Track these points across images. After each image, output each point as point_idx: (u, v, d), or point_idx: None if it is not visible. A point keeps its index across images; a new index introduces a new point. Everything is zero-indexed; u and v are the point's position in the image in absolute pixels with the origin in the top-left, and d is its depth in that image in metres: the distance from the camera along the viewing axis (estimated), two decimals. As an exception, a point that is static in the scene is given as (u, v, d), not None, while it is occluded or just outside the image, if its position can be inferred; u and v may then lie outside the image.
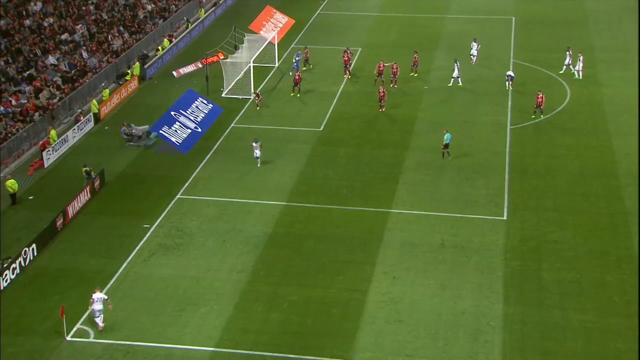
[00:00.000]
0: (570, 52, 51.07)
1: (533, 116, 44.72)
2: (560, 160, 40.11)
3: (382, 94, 46.02)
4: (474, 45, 53.37)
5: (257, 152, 40.18)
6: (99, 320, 28.04)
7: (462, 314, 28.92)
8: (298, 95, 48.77)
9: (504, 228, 34.36)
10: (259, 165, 40.00)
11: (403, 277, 31.19)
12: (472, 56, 53.36)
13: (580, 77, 49.92)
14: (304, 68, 52.96)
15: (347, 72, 51.55)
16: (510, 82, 48.68)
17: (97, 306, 27.92)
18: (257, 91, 48.62)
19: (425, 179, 38.69)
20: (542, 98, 44.42)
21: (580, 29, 60.13)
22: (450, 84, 49.82)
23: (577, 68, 50.33)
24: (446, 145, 40.07)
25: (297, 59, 51.27)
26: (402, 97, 48.42)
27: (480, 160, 40.52)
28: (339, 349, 27.27)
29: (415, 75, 50.97)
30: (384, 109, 46.11)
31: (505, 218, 35.17)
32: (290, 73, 50.92)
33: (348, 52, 52.61)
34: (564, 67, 51.09)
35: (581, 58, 50.11)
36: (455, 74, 49.65)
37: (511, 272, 31.27)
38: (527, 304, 29.37)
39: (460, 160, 40.44)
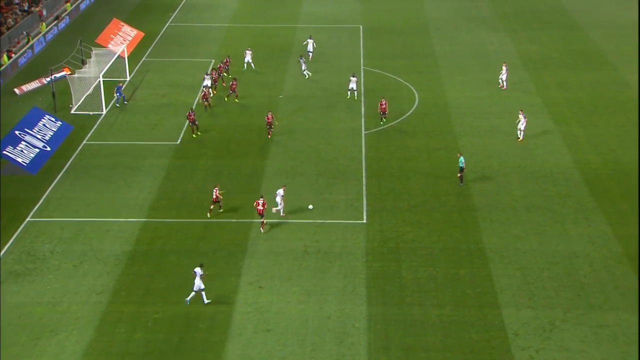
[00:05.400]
0: (303, 59, 53.97)
1: (381, 122, 46.37)
2: (413, 162, 41.91)
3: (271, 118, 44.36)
4: (352, 80, 49.92)
5: None
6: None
7: (327, 318, 29.49)
8: (236, 100, 48.73)
9: (364, 231, 35.40)
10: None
11: (268, 286, 31.36)
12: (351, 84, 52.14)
13: (307, 76, 53.36)
14: (227, 75, 52.05)
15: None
16: (354, 92, 49.75)
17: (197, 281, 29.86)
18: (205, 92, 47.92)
19: (286, 187, 39.09)
20: (385, 104, 46.20)
21: (422, 36, 63.14)
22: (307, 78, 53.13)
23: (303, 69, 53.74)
24: (461, 169, 38.73)
25: (119, 90, 49.31)
26: (258, 106, 48.68)
27: (338, 166, 41.53)
28: (207, 364, 27.00)
29: (237, 101, 49.27)
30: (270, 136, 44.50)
31: (364, 221, 36.25)
32: (117, 105, 48.90)
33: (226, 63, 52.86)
34: (305, 71, 53.55)
35: (302, 59, 53.84)
36: (303, 67, 53.20)
37: (373, 274, 32.29)
38: (389, 304, 30.44)
39: (318, 167, 41.24)
